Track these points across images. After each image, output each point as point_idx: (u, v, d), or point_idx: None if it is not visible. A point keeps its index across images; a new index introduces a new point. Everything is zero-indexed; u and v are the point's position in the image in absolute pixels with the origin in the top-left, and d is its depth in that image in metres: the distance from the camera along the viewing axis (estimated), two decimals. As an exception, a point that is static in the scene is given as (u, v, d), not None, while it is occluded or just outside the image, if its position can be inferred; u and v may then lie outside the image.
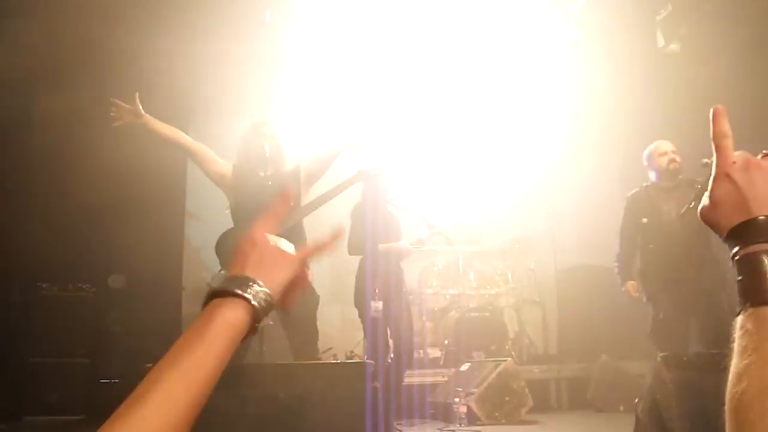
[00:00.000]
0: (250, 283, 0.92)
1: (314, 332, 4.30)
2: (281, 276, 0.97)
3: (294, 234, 4.30)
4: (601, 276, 8.37)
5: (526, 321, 7.92)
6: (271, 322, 6.74)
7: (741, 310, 0.84)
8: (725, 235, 0.90)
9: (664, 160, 4.83)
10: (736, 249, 0.88)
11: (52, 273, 6.15)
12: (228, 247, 4.20)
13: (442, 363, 6.96)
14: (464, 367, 6.41)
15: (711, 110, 0.96)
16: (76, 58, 6.29)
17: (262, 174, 4.25)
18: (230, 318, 0.90)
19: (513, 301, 7.72)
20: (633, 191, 5.05)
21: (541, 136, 9.42)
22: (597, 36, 7.22)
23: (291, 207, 4.19)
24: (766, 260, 0.84)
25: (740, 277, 0.86)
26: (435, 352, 7.39)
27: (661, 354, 3.17)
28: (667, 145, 4.89)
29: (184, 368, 0.84)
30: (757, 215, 0.87)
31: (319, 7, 6.62)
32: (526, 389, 5.91)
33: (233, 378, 2.77)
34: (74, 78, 6.33)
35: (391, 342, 5.26)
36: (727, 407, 0.78)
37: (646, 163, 5.00)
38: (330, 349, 7.13)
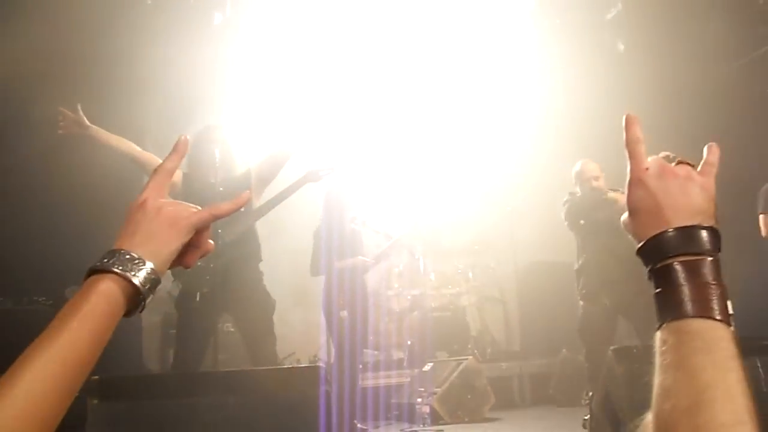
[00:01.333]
0: (129, 257, 0.88)
1: (271, 337, 4.28)
2: (169, 247, 0.93)
3: (247, 238, 4.30)
4: (560, 272, 8.47)
5: (488, 319, 7.98)
6: (232, 329, 6.73)
7: (660, 325, 0.83)
8: (640, 246, 0.88)
9: (587, 186, 4.96)
10: (651, 261, 0.86)
11: (4, 286, 6.01)
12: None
13: (405, 364, 6.97)
14: (427, 367, 6.43)
15: (624, 117, 0.95)
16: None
17: (212, 180, 4.21)
18: (106, 294, 0.86)
19: (474, 300, 7.77)
20: (567, 198, 5.16)
21: (500, 134, 9.50)
22: (552, 35, 7.32)
23: (242, 211, 4.19)
24: (681, 272, 0.83)
25: (657, 290, 0.85)
26: (398, 354, 7.40)
27: (612, 347, 3.22)
28: (590, 170, 4.99)
29: (57, 346, 0.81)
30: (672, 225, 0.85)
31: (270, 7, 6.59)
32: (488, 387, 5.96)
33: (184, 386, 2.75)
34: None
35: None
36: (654, 424, 0.77)
37: (574, 181, 5.11)
38: (293, 353, 7.12)
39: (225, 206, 1.03)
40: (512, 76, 8.00)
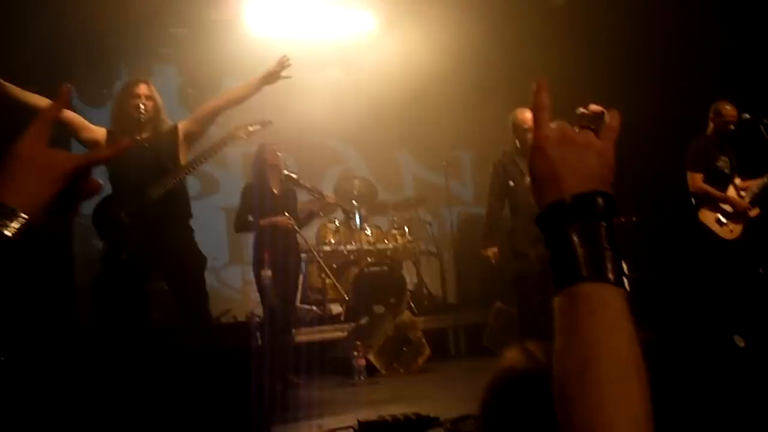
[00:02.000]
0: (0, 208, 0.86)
1: (202, 294, 4.25)
2: (43, 195, 0.89)
3: (175, 195, 4.23)
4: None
5: (425, 273, 8.07)
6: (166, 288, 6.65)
7: (557, 291, 0.84)
8: (539, 215, 0.89)
9: (526, 135, 4.89)
10: (548, 229, 0.87)
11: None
12: (105, 216, 4.07)
13: (342, 318, 7.02)
14: (363, 321, 6.51)
15: (534, 83, 0.95)
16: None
17: (138, 137, 4.11)
18: None
19: (411, 254, 7.84)
20: (499, 158, 5.25)
21: (435, 87, 9.48)
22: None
23: (169, 168, 4.13)
24: (575, 238, 0.83)
25: (553, 258, 0.85)
26: (336, 309, 7.45)
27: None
28: (526, 120, 4.91)
29: None
30: (567, 193, 0.86)
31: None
32: (423, 339, 6.06)
33: (111, 343, 2.71)
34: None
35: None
36: (553, 381, 0.79)
37: (510, 129, 5.14)
38: (229, 311, 7.08)
39: (104, 151, 1.01)
40: (449, 30, 8.00)
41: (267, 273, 5.45)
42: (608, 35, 7.42)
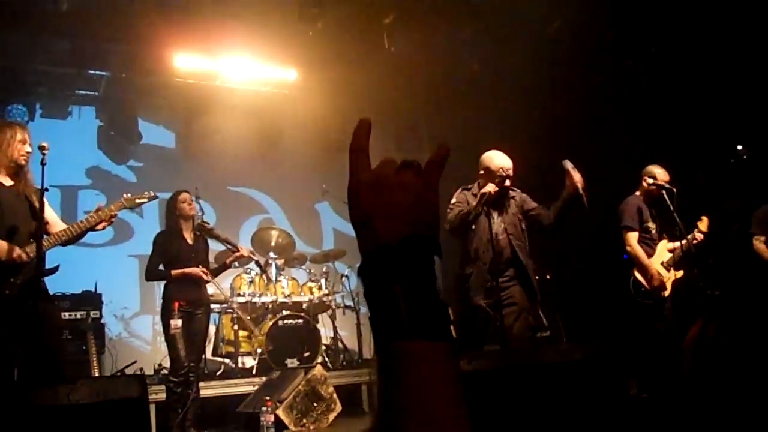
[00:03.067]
0: None
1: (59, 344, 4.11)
2: None
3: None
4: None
5: (341, 326, 8.01)
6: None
7: (377, 347, 0.78)
8: (360, 265, 0.81)
9: (496, 176, 4.80)
10: (364, 281, 0.80)
11: None
12: None
13: (254, 372, 6.86)
14: (274, 375, 6.38)
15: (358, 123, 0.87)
16: None
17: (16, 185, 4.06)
18: None
19: (327, 308, 7.78)
20: (460, 191, 4.99)
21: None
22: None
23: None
24: (390, 292, 0.76)
25: (371, 313, 0.79)
26: (249, 362, 7.29)
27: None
28: (503, 161, 4.86)
29: None
30: (382, 241, 0.79)
31: None
32: (335, 395, 5.98)
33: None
34: None
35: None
36: None
37: (482, 170, 4.92)
38: (135, 362, 6.84)
39: None
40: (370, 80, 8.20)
41: (177, 323, 5.41)
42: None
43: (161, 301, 5.68)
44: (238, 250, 5.88)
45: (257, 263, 6.53)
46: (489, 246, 4.70)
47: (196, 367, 5.62)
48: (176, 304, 5.46)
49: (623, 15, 7.34)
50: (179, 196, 5.77)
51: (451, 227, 4.83)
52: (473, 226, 4.78)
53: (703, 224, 5.71)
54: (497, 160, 4.85)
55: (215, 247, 6.34)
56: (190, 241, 5.69)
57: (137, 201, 4.61)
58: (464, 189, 4.98)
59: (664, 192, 5.55)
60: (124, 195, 4.56)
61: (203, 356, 6.23)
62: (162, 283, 8.26)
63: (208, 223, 5.88)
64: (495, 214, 4.82)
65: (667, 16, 7.04)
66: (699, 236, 5.63)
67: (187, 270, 5.55)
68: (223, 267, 5.93)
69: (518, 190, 5.03)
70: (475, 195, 4.84)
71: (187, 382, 5.42)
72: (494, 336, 4.73)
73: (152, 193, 4.77)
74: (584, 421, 2.91)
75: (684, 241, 5.57)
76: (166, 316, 5.50)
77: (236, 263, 6.21)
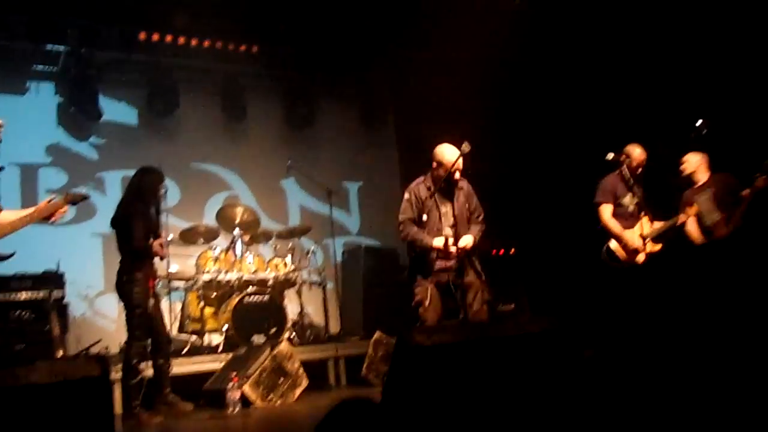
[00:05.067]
0: None
1: None
2: None
3: None
4: (379, 255, 8.75)
5: (307, 303, 8.04)
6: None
7: None
8: None
9: (447, 170, 5.02)
10: None
11: None
12: None
13: (221, 349, 6.87)
14: (240, 351, 6.40)
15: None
16: None
17: None
18: None
19: (293, 284, 7.79)
20: (412, 187, 5.22)
21: (323, 117, 9.59)
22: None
23: None
24: None
25: None
26: (216, 339, 7.29)
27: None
28: (453, 155, 5.03)
29: None
30: None
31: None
32: (301, 370, 6.02)
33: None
34: None
35: None
36: None
37: (435, 163, 5.11)
38: (100, 340, 6.81)
39: None
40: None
41: (152, 301, 5.42)
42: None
43: (125, 278, 5.50)
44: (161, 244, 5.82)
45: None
46: (439, 236, 5.02)
47: (169, 339, 5.73)
48: (151, 282, 5.43)
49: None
50: (163, 182, 5.72)
51: (401, 237, 5.21)
52: (424, 217, 5.06)
53: (692, 210, 5.88)
54: (448, 154, 5.05)
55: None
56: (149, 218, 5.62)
57: (76, 199, 4.91)
58: (418, 183, 5.22)
59: (633, 168, 5.73)
60: (65, 192, 4.84)
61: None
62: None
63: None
64: (445, 205, 5.10)
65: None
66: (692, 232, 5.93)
67: (160, 241, 5.54)
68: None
69: (466, 181, 5.24)
70: (429, 188, 5.11)
71: (162, 353, 5.51)
72: (450, 313, 5.09)
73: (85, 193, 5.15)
74: (538, 392, 2.99)
75: (658, 224, 5.77)
76: (140, 294, 5.35)
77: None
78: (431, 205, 5.08)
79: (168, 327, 5.98)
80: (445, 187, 5.09)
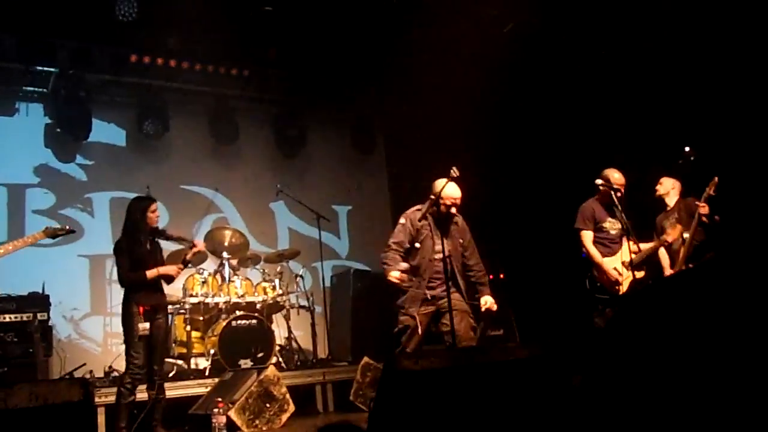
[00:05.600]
0: None
1: None
2: None
3: None
4: (369, 280, 8.70)
5: (296, 327, 7.99)
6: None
7: None
8: None
9: (446, 204, 5.16)
10: None
11: None
12: None
13: (207, 373, 6.80)
14: (227, 376, 6.33)
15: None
16: None
17: None
18: None
19: (281, 308, 7.74)
20: (412, 211, 5.32)
21: (313, 142, 9.59)
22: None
23: None
24: None
25: None
26: (202, 363, 7.21)
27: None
28: (454, 192, 5.19)
29: None
30: None
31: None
32: (288, 395, 5.95)
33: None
34: None
35: None
36: None
37: (433, 196, 5.19)
38: (84, 364, 6.72)
39: None
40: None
41: (145, 326, 5.36)
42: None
43: (121, 306, 5.53)
44: (195, 245, 5.79)
45: (215, 254, 6.33)
46: (431, 265, 5.14)
47: (160, 370, 5.56)
48: (141, 309, 5.37)
49: (574, 18, 7.47)
50: (151, 205, 5.60)
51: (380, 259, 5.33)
52: (417, 245, 5.19)
53: (675, 231, 5.86)
54: (448, 189, 5.17)
55: (166, 246, 6.21)
56: (147, 246, 5.57)
57: (58, 233, 5.17)
58: (414, 210, 5.32)
59: (612, 192, 5.67)
60: (45, 227, 5.14)
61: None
62: (116, 287, 8.17)
63: (159, 226, 5.77)
64: (439, 236, 5.18)
65: (616, 19, 7.18)
66: (667, 239, 5.85)
67: (162, 270, 5.48)
68: (183, 264, 5.81)
69: (460, 217, 5.37)
70: (425, 217, 5.20)
71: (155, 386, 5.43)
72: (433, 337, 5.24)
73: (69, 227, 5.48)
74: (526, 418, 2.95)
75: (631, 244, 5.70)
76: (130, 320, 5.35)
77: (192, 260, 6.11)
78: (426, 234, 5.19)
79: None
80: (441, 220, 5.21)
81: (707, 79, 6.70)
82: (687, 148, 6.45)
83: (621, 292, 5.75)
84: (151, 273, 5.42)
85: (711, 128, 6.68)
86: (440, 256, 5.10)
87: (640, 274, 5.79)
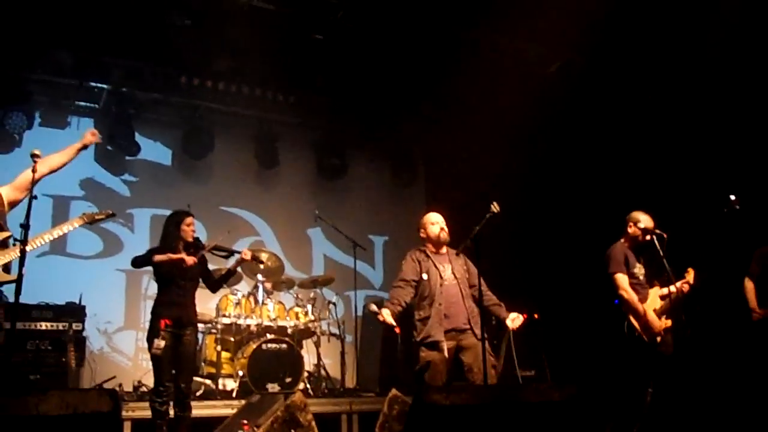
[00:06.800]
0: None
1: None
2: None
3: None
4: (401, 313, 8.61)
5: (325, 354, 7.95)
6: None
7: None
8: None
9: (435, 228, 5.32)
10: None
11: None
12: None
13: (234, 395, 6.79)
14: (254, 399, 6.30)
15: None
16: None
17: None
18: None
19: (312, 334, 7.72)
20: (414, 250, 5.41)
21: (353, 170, 9.63)
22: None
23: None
24: None
25: None
26: (230, 384, 7.21)
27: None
28: (436, 217, 5.38)
29: None
30: None
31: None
32: (314, 423, 5.88)
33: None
34: None
35: None
36: None
37: (421, 230, 5.41)
38: (113, 377, 6.77)
39: None
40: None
41: (159, 343, 5.26)
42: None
43: (149, 318, 5.55)
44: (243, 255, 5.76)
45: (254, 257, 6.18)
46: (441, 290, 5.15)
47: (187, 388, 5.45)
48: (162, 323, 5.31)
49: (619, 58, 7.44)
50: (186, 218, 5.59)
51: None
52: (425, 275, 5.22)
53: (690, 276, 5.72)
54: (432, 217, 5.42)
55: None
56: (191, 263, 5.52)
57: (96, 217, 4.83)
58: (415, 250, 5.41)
59: (654, 237, 5.51)
60: (83, 212, 4.80)
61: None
62: (151, 302, 8.22)
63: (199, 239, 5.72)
64: (442, 264, 5.26)
65: (662, 64, 7.14)
66: (686, 287, 5.64)
67: (173, 256, 5.37)
68: (228, 273, 5.80)
69: (462, 255, 5.40)
70: (424, 251, 5.33)
71: (180, 403, 5.36)
72: (456, 375, 5.12)
73: (110, 211, 5.00)
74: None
75: (673, 288, 5.54)
76: (151, 334, 5.36)
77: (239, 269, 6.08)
78: (429, 265, 5.25)
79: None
80: (438, 252, 5.35)
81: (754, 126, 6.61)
82: (732, 197, 6.33)
83: (659, 340, 5.57)
84: (160, 257, 5.36)
85: (756, 177, 6.57)
86: (449, 282, 5.17)
87: (668, 323, 5.65)
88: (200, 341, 7.47)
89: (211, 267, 5.92)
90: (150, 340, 5.34)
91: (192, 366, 5.76)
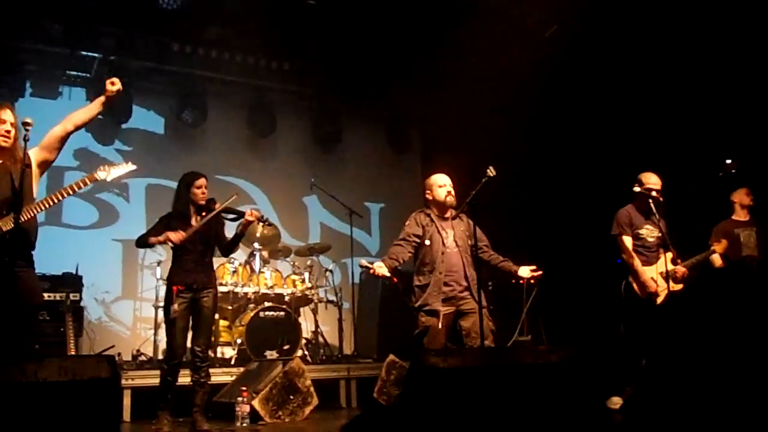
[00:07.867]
0: None
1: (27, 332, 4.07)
2: None
3: (31, 227, 4.07)
4: (398, 279, 8.64)
5: (323, 321, 7.99)
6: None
7: None
8: None
9: (442, 192, 5.19)
10: None
11: None
12: None
13: (233, 363, 6.84)
14: (252, 365, 6.35)
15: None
16: None
17: None
18: None
19: (309, 301, 7.75)
20: (417, 213, 5.32)
21: (348, 137, 9.58)
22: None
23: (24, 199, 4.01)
24: None
25: None
26: (228, 351, 7.25)
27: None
28: (444, 179, 5.26)
29: None
30: None
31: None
32: (312, 388, 5.95)
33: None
34: None
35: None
36: None
37: (427, 191, 5.31)
38: (112, 347, 6.79)
39: None
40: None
41: (175, 307, 5.14)
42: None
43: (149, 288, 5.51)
44: (247, 217, 5.48)
45: (261, 219, 5.96)
46: (443, 258, 5.08)
47: (203, 352, 5.31)
48: (175, 289, 5.19)
49: (618, 24, 7.37)
50: (197, 180, 5.41)
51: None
52: (427, 241, 5.14)
53: (721, 246, 5.76)
54: (433, 178, 5.31)
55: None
56: (193, 222, 5.35)
57: (113, 171, 4.49)
58: (419, 212, 5.32)
59: (649, 199, 5.52)
60: (101, 166, 4.49)
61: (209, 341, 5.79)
62: (148, 272, 8.20)
63: (214, 201, 5.48)
64: (445, 231, 5.18)
65: (660, 26, 7.07)
66: (716, 260, 5.80)
67: (160, 238, 5.24)
68: (237, 236, 5.62)
69: (464, 216, 5.33)
70: (428, 215, 5.23)
71: (196, 370, 5.29)
72: (454, 341, 5.09)
73: (130, 165, 4.62)
74: (552, 421, 2.91)
75: (669, 255, 5.55)
76: (166, 300, 5.25)
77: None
78: (432, 230, 5.18)
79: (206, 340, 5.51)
80: (443, 215, 5.25)
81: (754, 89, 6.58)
82: (728, 161, 6.33)
83: (658, 301, 5.59)
84: (155, 238, 5.25)
85: (755, 141, 6.55)
86: (451, 249, 5.11)
87: (677, 287, 5.65)
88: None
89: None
90: (166, 308, 5.23)
91: (208, 330, 5.52)
